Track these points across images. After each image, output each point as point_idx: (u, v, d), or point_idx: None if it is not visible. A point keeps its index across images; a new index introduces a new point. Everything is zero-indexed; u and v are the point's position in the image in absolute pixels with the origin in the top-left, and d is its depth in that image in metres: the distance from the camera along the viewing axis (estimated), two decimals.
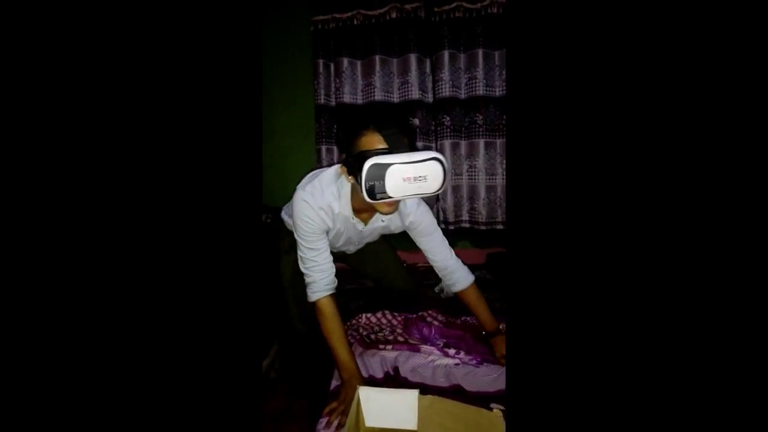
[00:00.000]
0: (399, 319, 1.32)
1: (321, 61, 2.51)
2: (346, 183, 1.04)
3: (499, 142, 2.46)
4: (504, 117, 2.43)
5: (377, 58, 2.44)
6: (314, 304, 1.07)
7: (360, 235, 1.19)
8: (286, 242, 1.23)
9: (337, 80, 2.52)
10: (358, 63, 2.51)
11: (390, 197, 0.85)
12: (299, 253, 1.08)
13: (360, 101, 2.51)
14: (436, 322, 1.35)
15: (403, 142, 0.91)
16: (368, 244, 1.34)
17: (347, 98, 2.52)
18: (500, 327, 1.18)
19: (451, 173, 2.51)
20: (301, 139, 2.68)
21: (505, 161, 2.46)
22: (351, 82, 2.51)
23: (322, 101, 2.54)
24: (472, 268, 2.27)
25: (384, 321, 1.33)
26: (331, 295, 1.07)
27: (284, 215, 1.32)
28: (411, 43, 2.41)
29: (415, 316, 1.38)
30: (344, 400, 0.93)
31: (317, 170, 1.17)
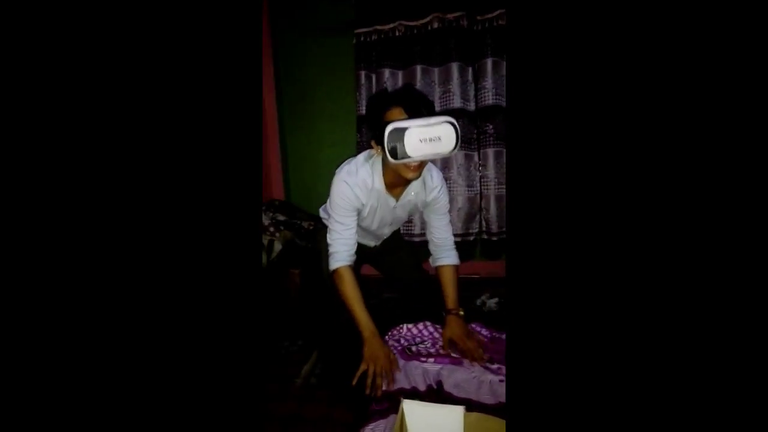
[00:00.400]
0: (441, 331, 1.29)
1: (363, 73, 2.56)
2: (378, 161, 1.18)
3: None
4: None
5: (418, 67, 2.45)
6: (335, 272, 1.15)
7: (393, 213, 1.27)
8: (326, 242, 1.28)
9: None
10: (399, 73, 2.53)
11: (410, 157, 0.96)
12: (329, 226, 1.19)
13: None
14: (480, 336, 1.30)
15: (421, 112, 1.04)
16: (389, 242, 1.44)
17: None
18: (460, 311, 1.28)
19: (495, 182, 2.45)
20: (344, 150, 2.74)
21: None
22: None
23: (364, 112, 2.59)
24: None
25: (426, 333, 1.30)
26: (350, 265, 1.17)
27: (322, 212, 1.41)
28: (452, 51, 2.40)
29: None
30: (372, 357, 1.05)
31: (351, 158, 1.28)
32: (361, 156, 1.25)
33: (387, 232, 1.42)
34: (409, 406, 0.87)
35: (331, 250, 1.17)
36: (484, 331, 1.34)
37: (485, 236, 2.50)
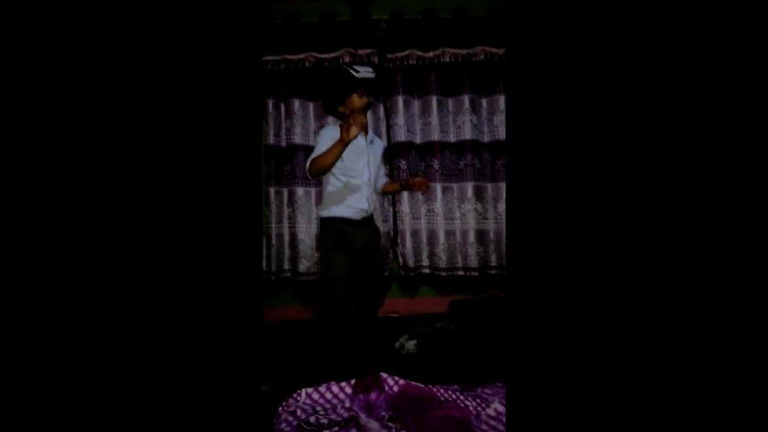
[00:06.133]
0: (346, 390, 1.09)
1: (271, 102, 2.41)
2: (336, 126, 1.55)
3: (456, 186, 2.42)
4: (459, 162, 2.42)
5: None
6: (314, 161, 1.49)
7: (368, 152, 1.66)
8: (331, 239, 1.54)
9: (288, 121, 2.41)
10: (310, 105, 2.43)
11: (358, 72, 1.60)
12: (311, 156, 1.52)
13: (312, 143, 2.40)
14: (395, 387, 1.14)
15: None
16: (372, 239, 1.69)
17: (298, 139, 2.40)
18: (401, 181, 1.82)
19: (410, 216, 2.41)
20: None
21: (461, 205, 2.41)
22: (303, 123, 2.42)
23: (272, 142, 2.40)
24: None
25: (328, 396, 1.09)
26: None
27: (321, 212, 1.63)
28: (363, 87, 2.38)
29: (369, 379, 1.16)
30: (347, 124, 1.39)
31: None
32: (329, 127, 1.65)
33: (373, 176, 1.68)
34: None
35: (312, 157, 1.50)
36: (401, 382, 1.18)
37: (402, 272, 2.41)
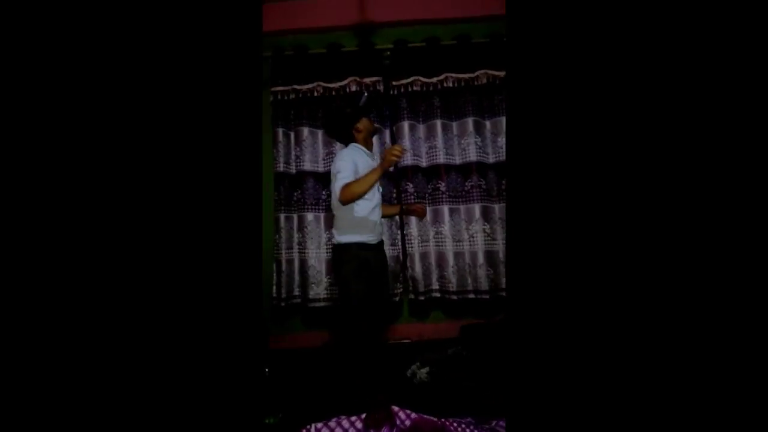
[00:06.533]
0: (357, 425, 1.07)
1: (280, 130, 2.47)
2: (356, 146, 1.70)
3: (463, 207, 2.43)
4: (465, 183, 2.43)
5: None
6: (344, 186, 1.49)
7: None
8: (351, 266, 1.53)
9: (297, 148, 2.46)
10: (319, 132, 2.49)
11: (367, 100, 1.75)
12: (335, 183, 1.52)
13: (321, 169, 2.44)
14: (407, 422, 1.12)
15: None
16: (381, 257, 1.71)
17: (308, 166, 2.45)
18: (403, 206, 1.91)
19: (418, 239, 2.42)
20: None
21: (469, 226, 2.41)
22: (312, 150, 2.47)
23: (281, 169, 2.45)
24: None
25: (339, 431, 1.07)
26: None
27: (339, 237, 1.60)
28: (371, 114, 2.44)
29: (380, 413, 1.14)
30: (387, 155, 1.43)
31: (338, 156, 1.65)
32: (344, 149, 1.68)
33: (378, 195, 1.73)
34: None
35: (339, 185, 1.50)
36: (413, 416, 1.15)
37: (412, 296, 2.39)
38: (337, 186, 1.50)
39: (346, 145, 1.70)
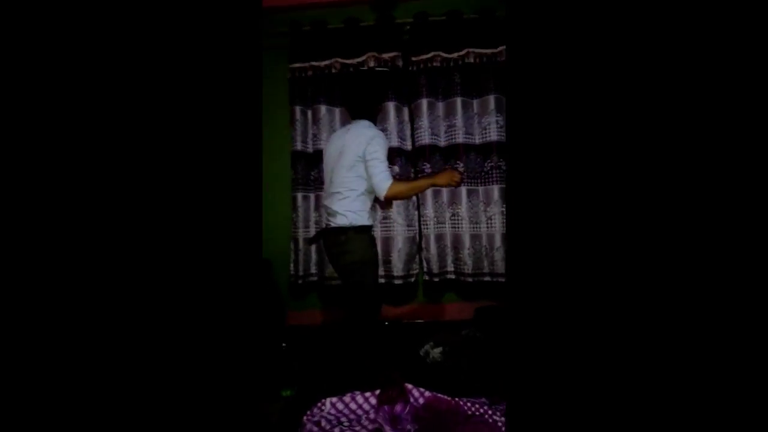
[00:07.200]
0: (371, 400, 1.10)
1: (298, 108, 2.45)
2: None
3: (481, 189, 2.38)
4: (485, 164, 2.38)
5: None
6: (391, 185, 1.48)
7: None
8: (372, 248, 1.56)
9: (315, 127, 2.45)
10: (336, 110, 2.46)
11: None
12: (380, 168, 1.49)
13: None
14: (421, 399, 1.13)
15: None
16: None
17: (325, 144, 2.43)
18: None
19: (434, 221, 2.40)
20: (278, 186, 2.54)
21: (487, 208, 2.37)
22: (329, 129, 2.44)
23: (299, 148, 2.45)
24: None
25: (353, 406, 1.10)
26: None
27: (358, 220, 1.54)
28: (389, 91, 2.39)
29: (393, 390, 1.15)
30: (441, 178, 1.52)
31: (352, 127, 1.61)
32: (367, 124, 1.63)
33: None
34: None
35: (386, 176, 1.48)
36: (427, 393, 1.17)
37: (426, 277, 2.40)
38: (384, 177, 1.47)
39: (373, 122, 1.66)
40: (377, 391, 1.15)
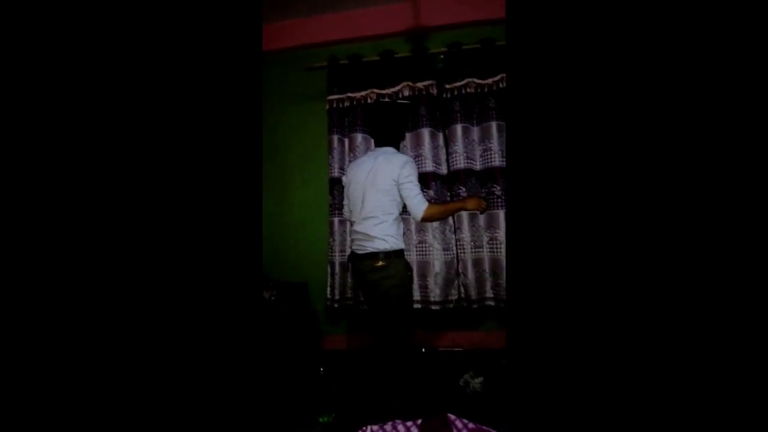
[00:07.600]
0: (412, 430, 1.06)
1: (335, 137, 2.55)
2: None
3: None
4: None
5: None
6: (427, 207, 1.54)
7: None
8: (408, 272, 1.61)
9: (351, 154, 2.53)
10: (372, 139, 2.53)
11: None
12: (415, 191, 1.57)
13: None
14: (464, 431, 1.08)
15: None
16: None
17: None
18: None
19: (471, 245, 2.36)
20: (314, 211, 2.63)
21: None
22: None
23: (336, 174, 2.53)
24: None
25: None
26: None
27: (396, 245, 1.59)
28: (423, 118, 2.44)
29: (436, 420, 1.11)
30: (471, 204, 1.62)
31: (380, 153, 1.69)
32: (391, 151, 1.71)
33: None
34: None
35: (421, 199, 1.56)
36: (470, 425, 1.12)
37: (464, 303, 2.33)
38: (420, 200, 1.54)
39: (396, 148, 1.75)
40: (419, 421, 1.12)
